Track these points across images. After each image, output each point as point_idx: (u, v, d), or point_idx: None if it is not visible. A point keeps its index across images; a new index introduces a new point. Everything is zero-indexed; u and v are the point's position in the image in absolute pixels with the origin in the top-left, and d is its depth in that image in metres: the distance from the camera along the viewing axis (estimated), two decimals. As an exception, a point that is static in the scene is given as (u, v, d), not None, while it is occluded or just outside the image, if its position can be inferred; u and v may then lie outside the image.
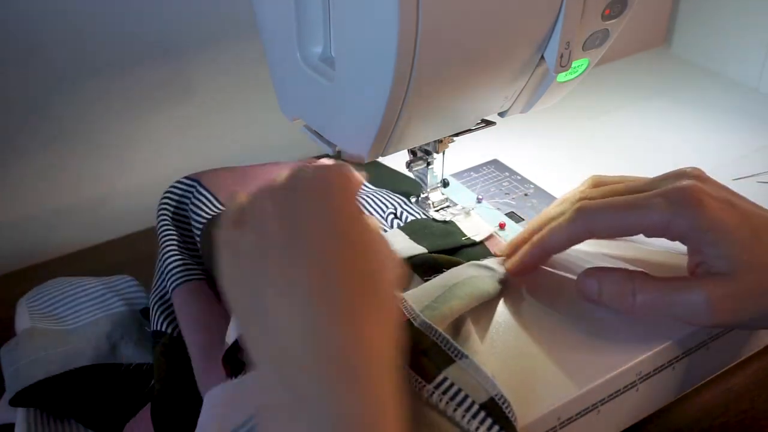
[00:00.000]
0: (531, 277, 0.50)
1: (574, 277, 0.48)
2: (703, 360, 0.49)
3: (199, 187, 0.55)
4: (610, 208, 0.45)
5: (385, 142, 0.44)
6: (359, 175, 0.41)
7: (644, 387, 0.46)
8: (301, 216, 0.37)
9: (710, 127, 0.69)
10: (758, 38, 0.74)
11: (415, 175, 0.57)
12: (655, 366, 0.46)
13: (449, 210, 0.56)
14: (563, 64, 0.44)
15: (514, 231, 0.55)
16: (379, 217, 0.54)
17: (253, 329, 0.36)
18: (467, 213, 0.56)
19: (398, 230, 0.52)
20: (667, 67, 0.81)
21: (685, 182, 0.45)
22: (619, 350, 0.45)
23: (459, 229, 0.54)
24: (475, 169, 0.63)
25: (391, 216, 0.54)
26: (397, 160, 0.57)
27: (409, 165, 0.54)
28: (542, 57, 0.44)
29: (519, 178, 0.62)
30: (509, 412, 0.38)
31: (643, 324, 0.46)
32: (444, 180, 0.56)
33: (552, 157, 0.65)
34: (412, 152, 0.54)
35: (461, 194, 0.59)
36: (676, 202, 0.44)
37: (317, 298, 0.34)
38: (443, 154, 0.54)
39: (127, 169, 0.73)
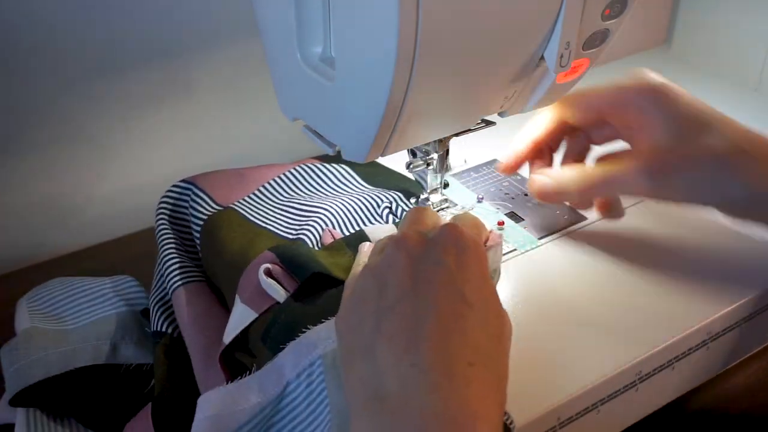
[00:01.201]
0: (530, 278, 0.50)
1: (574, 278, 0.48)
2: (703, 360, 0.49)
3: (195, 189, 0.56)
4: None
5: (385, 142, 0.44)
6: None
7: (644, 387, 0.46)
8: (432, 275, 0.38)
9: (710, 127, 0.69)
10: (758, 38, 0.74)
11: (415, 176, 0.57)
12: (655, 366, 0.46)
13: (449, 210, 0.57)
14: (563, 64, 0.44)
15: (513, 230, 0.55)
16: (375, 213, 0.54)
17: (356, 368, 0.37)
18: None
19: (393, 226, 0.52)
20: (667, 67, 0.81)
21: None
22: (619, 350, 0.45)
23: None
24: (475, 169, 0.63)
25: (386, 210, 0.54)
26: (397, 160, 0.57)
27: (409, 165, 0.54)
28: (542, 57, 0.44)
29: (519, 178, 0.62)
30: (509, 423, 0.39)
31: (642, 323, 0.46)
32: (444, 181, 0.56)
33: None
34: (412, 152, 0.54)
35: (461, 194, 0.59)
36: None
37: (434, 354, 0.35)
38: (443, 154, 0.54)
39: (128, 169, 0.73)
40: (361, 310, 0.38)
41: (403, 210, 0.54)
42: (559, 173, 0.53)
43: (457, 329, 0.36)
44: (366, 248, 0.48)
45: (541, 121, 0.55)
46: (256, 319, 0.46)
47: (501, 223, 0.55)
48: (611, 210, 0.55)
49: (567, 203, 0.57)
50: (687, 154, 0.47)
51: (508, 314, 0.39)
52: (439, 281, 0.38)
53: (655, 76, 0.50)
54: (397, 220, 0.53)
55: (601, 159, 0.53)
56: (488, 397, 0.34)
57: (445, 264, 0.38)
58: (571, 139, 0.56)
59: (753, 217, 0.48)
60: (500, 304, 0.39)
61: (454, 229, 0.41)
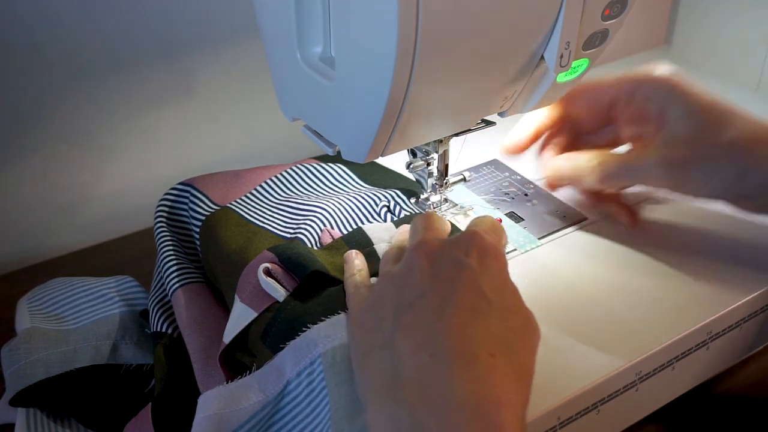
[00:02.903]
0: (530, 278, 0.50)
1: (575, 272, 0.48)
2: (703, 360, 0.49)
3: (193, 191, 0.56)
4: None
5: (385, 142, 0.44)
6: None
7: (644, 387, 0.46)
8: (453, 274, 0.38)
9: (710, 127, 0.69)
10: (758, 38, 0.74)
11: (415, 176, 0.57)
12: (655, 366, 0.46)
13: (448, 210, 0.57)
14: (563, 64, 0.44)
15: (513, 230, 0.55)
16: (373, 212, 0.54)
17: (373, 361, 0.37)
18: (465, 213, 0.56)
19: (391, 224, 0.52)
20: (667, 67, 0.81)
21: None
22: (619, 350, 0.45)
23: (455, 226, 0.54)
24: (475, 169, 0.63)
25: (384, 209, 0.54)
26: (397, 160, 0.57)
27: (409, 165, 0.54)
28: (542, 57, 0.44)
29: (519, 178, 0.62)
30: None
31: (642, 323, 0.46)
32: (444, 180, 0.56)
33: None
34: (412, 152, 0.54)
35: (461, 194, 0.59)
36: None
37: (454, 344, 0.35)
38: (443, 154, 0.54)
39: (128, 169, 0.73)
40: (380, 312, 0.38)
41: (401, 209, 0.54)
42: (575, 157, 0.52)
43: (476, 322, 0.36)
44: (353, 256, 0.47)
45: (547, 112, 0.55)
46: (256, 318, 0.46)
47: (498, 221, 0.56)
48: (626, 213, 0.54)
49: (577, 194, 0.57)
50: (706, 145, 0.47)
51: (533, 313, 0.39)
52: (459, 279, 0.38)
53: (666, 67, 0.50)
54: (395, 218, 0.53)
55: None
56: (510, 386, 0.34)
57: (465, 264, 0.39)
58: (568, 137, 0.56)
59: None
60: (522, 302, 0.39)
61: (476, 234, 0.41)
